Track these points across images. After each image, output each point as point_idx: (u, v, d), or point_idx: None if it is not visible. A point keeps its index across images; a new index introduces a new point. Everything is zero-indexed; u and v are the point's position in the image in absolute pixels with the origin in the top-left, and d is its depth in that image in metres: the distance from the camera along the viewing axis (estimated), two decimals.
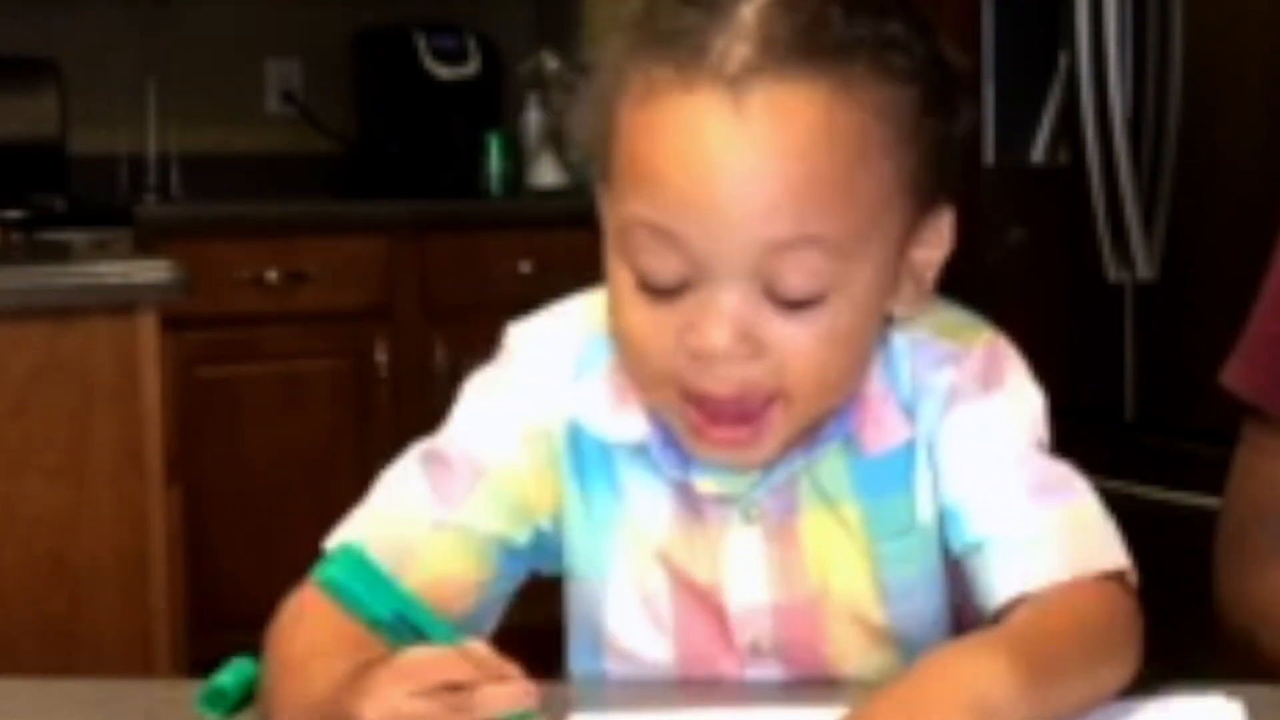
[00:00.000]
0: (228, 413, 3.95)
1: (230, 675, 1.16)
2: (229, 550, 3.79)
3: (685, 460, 1.17)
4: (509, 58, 4.59)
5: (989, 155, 3.49)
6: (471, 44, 4.52)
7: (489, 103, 4.57)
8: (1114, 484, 2.93)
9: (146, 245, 3.74)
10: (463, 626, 1.15)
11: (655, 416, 1.17)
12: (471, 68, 4.50)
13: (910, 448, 1.18)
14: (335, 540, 1.20)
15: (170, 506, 2.54)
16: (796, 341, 1.09)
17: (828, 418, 1.16)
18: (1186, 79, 3.04)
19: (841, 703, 1.05)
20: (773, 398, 1.10)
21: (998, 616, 1.13)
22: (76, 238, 3.69)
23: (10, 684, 1.28)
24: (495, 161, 4.56)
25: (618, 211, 1.11)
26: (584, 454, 1.21)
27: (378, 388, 4.08)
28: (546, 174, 4.57)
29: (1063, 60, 3.28)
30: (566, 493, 1.21)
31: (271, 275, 4.02)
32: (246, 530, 3.83)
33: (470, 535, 1.19)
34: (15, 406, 2.43)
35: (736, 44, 1.07)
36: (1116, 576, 1.15)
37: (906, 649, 1.19)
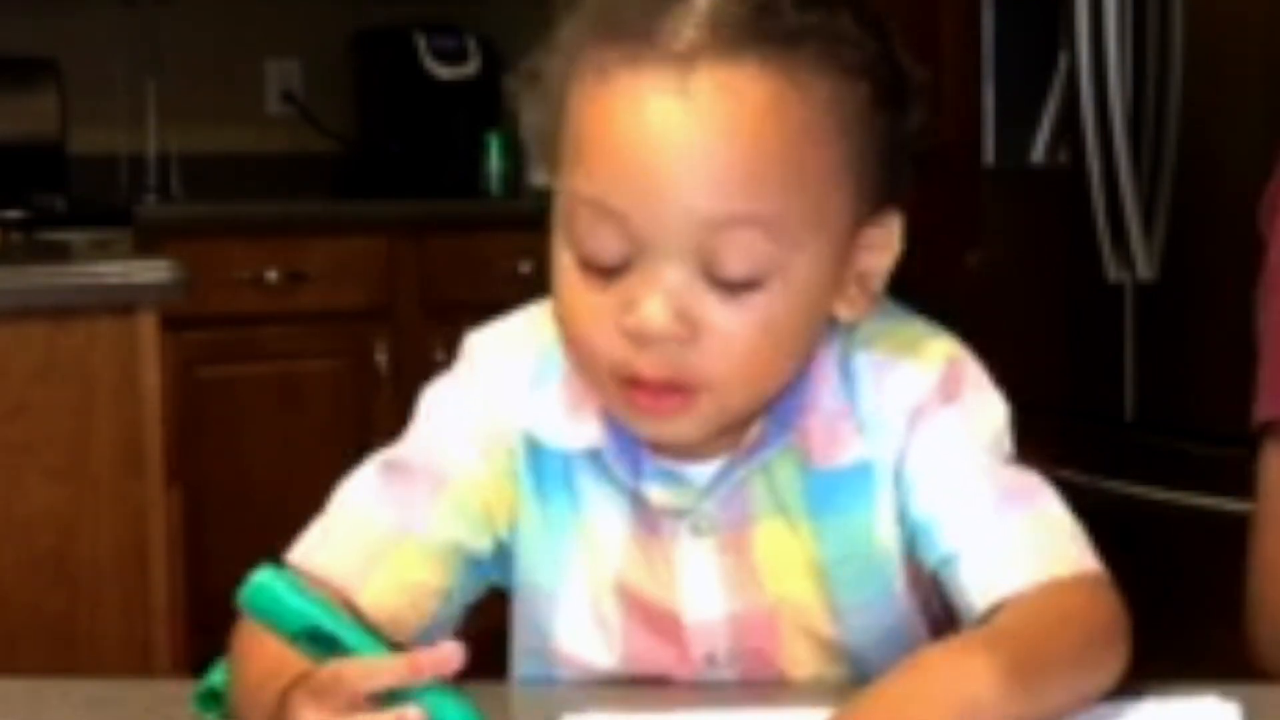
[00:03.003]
0: (228, 413, 3.95)
1: (223, 675, 1.16)
2: (229, 550, 3.78)
3: (637, 468, 1.17)
4: (509, 58, 4.59)
5: (989, 155, 3.49)
6: (471, 44, 4.52)
7: (489, 103, 4.57)
8: (1114, 484, 2.94)
9: (146, 245, 3.74)
10: (421, 636, 1.16)
11: (609, 424, 1.17)
12: (471, 68, 4.51)
13: (867, 468, 1.17)
14: (297, 553, 1.19)
15: (170, 506, 2.54)
16: (732, 326, 1.09)
17: (766, 423, 1.15)
18: (1186, 79, 3.04)
19: (830, 703, 1.04)
20: (702, 388, 1.10)
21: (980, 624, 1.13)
22: (76, 238, 3.69)
23: (10, 684, 1.28)
24: (495, 161, 4.56)
25: (561, 194, 1.12)
26: (542, 465, 1.20)
27: (378, 388, 4.09)
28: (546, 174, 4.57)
29: (1063, 60, 3.28)
30: (523, 504, 1.21)
31: (271, 275, 4.02)
32: (246, 530, 3.83)
33: (432, 544, 1.18)
34: (15, 406, 2.43)
35: (685, 27, 1.08)
36: (1095, 579, 1.15)
37: (859, 664, 1.19)
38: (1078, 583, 1.13)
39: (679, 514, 1.18)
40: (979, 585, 1.13)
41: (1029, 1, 3.44)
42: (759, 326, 1.09)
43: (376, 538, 1.18)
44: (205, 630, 2.80)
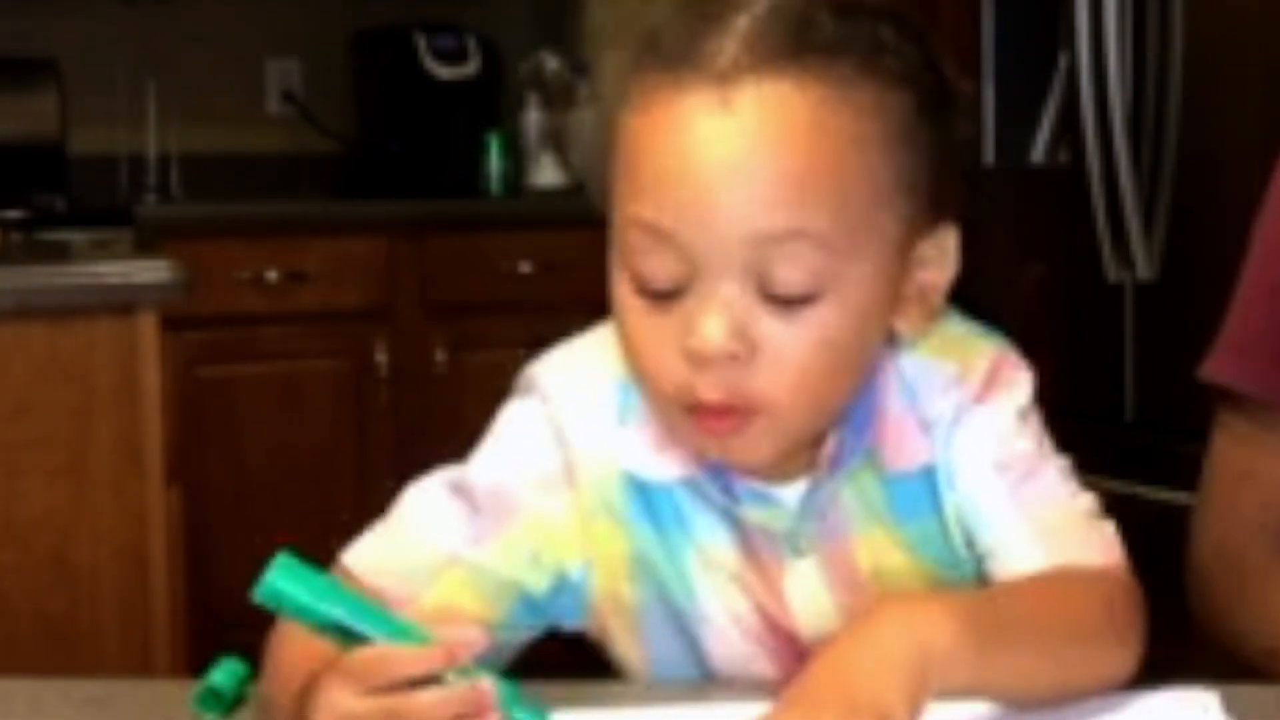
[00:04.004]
0: (228, 413, 3.95)
1: (222, 674, 1.16)
2: (229, 550, 3.78)
3: (731, 491, 1.18)
4: (509, 58, 4.59)
5: (989, 155, 3.49)
6: (471, 44, 4.51)
7: (489, 103, 4.57)
8: (1114, 484, 2.94)
9: (146, 245, 3.74)
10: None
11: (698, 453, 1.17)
12: (471, 68, 4.50)
13: (932, 471, 1.18)
14: (350, 555, 1.20)
15: (170, 506, 2.54)
16: (789, 343, 1.09)
17: (842, 434, 1.16)
18: (1186, 79, 3.04)
19: None
20: (762, 410, 1.10)
21: None
22: (76, 238, 3.69)
23: (10, 684, 1.28)
24: (495, 161, 4.55)
25: (616, 219, 1.12)
26: (648, 496, 1.20)
27: (378, 388, 4.08)
28: (546, 174, 4.57)
29: (1063, 60, 3.28)
30: (632, 534, 1.20)
31: (271, 275, 4.02)
32: (246, 530, 3.83)
33: (485, 575, 1.18)
34: (15, 406, 2.43)
35: (726, 45, 1.08)
36: (1113, 571, 1.15)
37: None
38: (1092, 573, 1.14)
39: (777, 536, 1.18)
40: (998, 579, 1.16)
41: (1029, 1, 3.44)
42: (817, 342, 1.09)
43: (431, 559, 1.18)
44: (205, 630, 2.80)
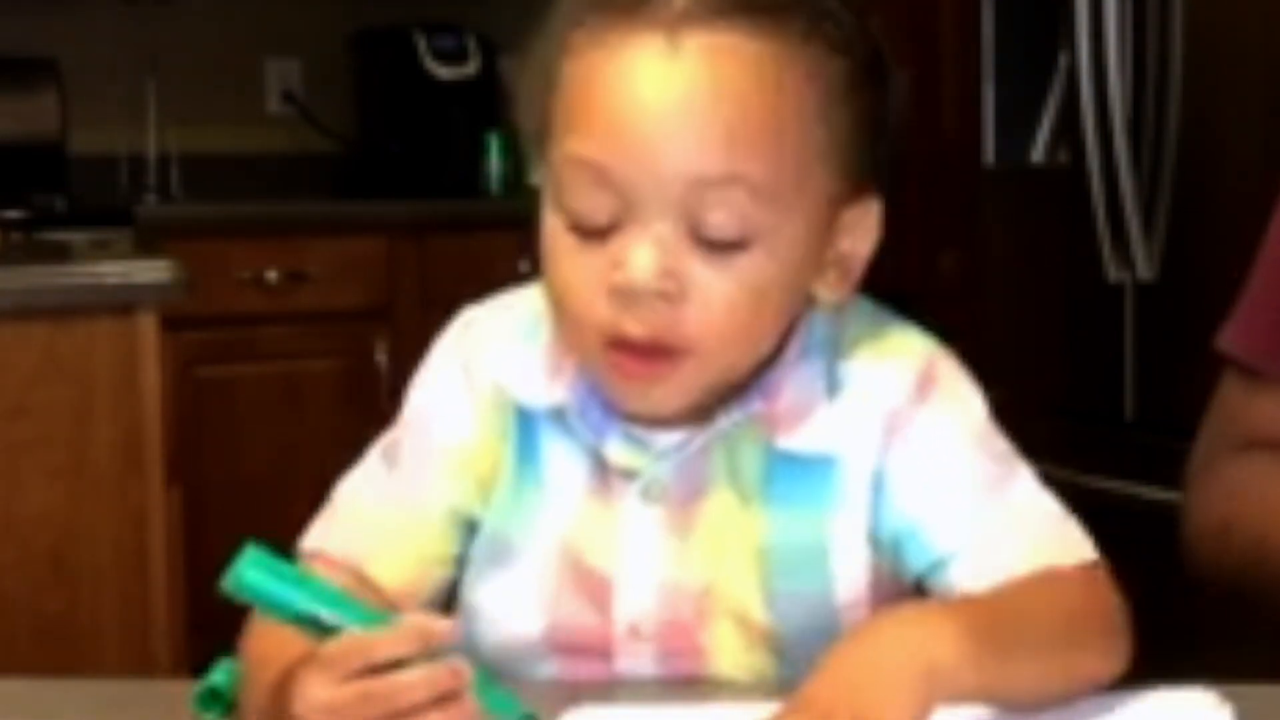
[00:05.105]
0: (228, 413, 3.95)
1: (222, 675, 1.16)
2: (229, 550, 3.77)
3: (602, 428, 1.19)
4: (509, 58, 4.59)
5: (989, 155, 3.49)
6: (471, 44, 4.52)
7: (489, 103, 4.57)
8: (1114, 484, 2.94)
9: (146, 245, 3.74)
10: (429, 601, 1.20)
11: (582, 385, 1.19)
12: (471, 68, 4.51)
13: (832, 463, 1.18)
14: (308, 540, 1.22)
15: (170, 506, 2.54)
16: (717, 286, 1.10)
17: (731, 396, 1.17)
18: (1186, 79, 3.04)
19: None
20: (687, 350, 1.11)
21: None
22: (76, 238, 3.69)
23: (10, 684, 1.28)
24: (495, 161, 4.56)
25: (553, 161, 1.13)
26: (522, 421, 1.22)
27: (378, 388, 4.08)
28: None
29: (1063, 60, 3.28)
30: (505, 460, 1.23)
31: (271, 275, 4.02)
32: (246, 530, 3.81)
33: (435, 515, 1.21)
34: (15, 406, 2.43)
35: None
36: (1093, 569, 1.16)
37: (787, 654, 1.19)
38: (1075, 573, 1.14)
39: (634, 475, 1.19)
40: (968, 584, 1.14)
41: (1029, 1, 3.44)
42: (743, 288, 1.11)
43: (383, 516, 1.21)
44: (205, 630, 2.80)
